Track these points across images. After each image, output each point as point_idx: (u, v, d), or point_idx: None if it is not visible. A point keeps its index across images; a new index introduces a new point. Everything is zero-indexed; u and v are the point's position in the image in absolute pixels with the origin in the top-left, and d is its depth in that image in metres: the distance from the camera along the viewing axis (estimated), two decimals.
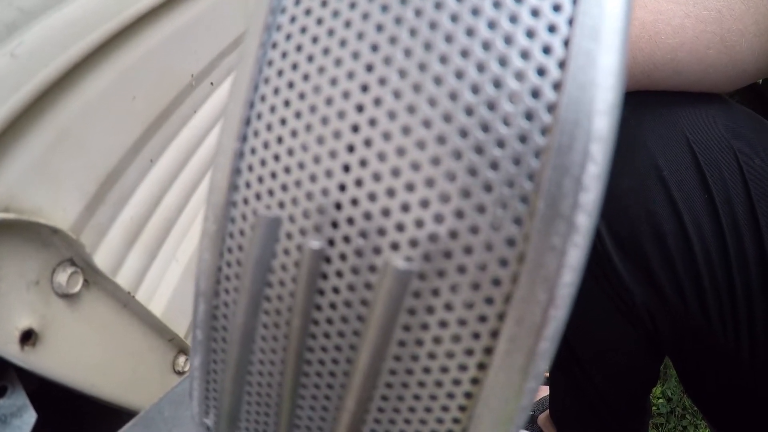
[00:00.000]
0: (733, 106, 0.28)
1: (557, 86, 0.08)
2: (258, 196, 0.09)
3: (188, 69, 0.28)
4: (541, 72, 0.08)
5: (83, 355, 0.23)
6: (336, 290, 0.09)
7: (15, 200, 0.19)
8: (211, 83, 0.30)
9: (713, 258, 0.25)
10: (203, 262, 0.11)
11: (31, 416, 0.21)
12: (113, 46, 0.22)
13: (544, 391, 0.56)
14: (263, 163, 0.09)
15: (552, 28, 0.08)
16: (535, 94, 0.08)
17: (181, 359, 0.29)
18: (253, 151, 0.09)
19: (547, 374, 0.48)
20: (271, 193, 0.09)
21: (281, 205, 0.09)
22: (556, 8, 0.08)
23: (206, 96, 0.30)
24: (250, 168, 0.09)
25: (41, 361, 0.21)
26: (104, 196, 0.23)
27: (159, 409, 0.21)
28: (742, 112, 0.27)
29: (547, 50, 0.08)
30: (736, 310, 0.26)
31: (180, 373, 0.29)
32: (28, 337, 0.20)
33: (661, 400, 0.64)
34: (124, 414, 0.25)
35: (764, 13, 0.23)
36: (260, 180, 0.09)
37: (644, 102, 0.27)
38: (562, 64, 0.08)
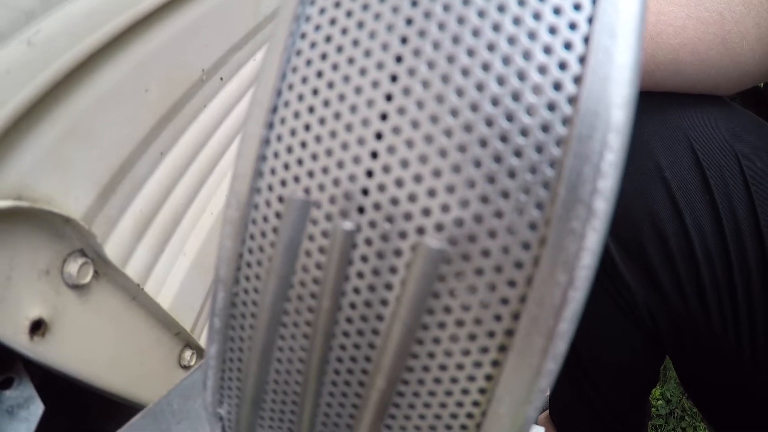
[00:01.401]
0: (735, 108, 0.28)
1: (578, 80, 0.08)
2: (283, 183, 0.10)
3: (199, 63, 0.28)
4: (563, 66, 0.08)
5: (91, 347, 0.23)
6: (361, 275, 0.09)
7: (28, 189, 0.20)
8: (221, 78, 0.31)
9: (714, 259, 0.26)
10: (224, 250, 0.11)
11: (38, 408, 0.21)
12: (128, 38, 0.23)
13: None
14: (289, 149, 0.09)
15: (573, 26, 0.08)
16: (557, 86, 0.08)
17: (188, 353, 0.30)
18: (279, 138, 0.10)
19: None
20: (297, 179, 0.09)
21: (307, 191, 0.09)
22: (577, 7, 0.08)
23: (216, 91, 0.30)
24: (276, 155, 0.10)
25: (50, 352, 0.21)
26: (115, 188, 0.24)
27: (168, 402, 0.22)
28: (743, 115, 0.28)
29: (568, 46, 0.08)
30: (736, 311, 0.26)
31: (186, 368, 0.29)
32: (37, 327, 0.20)
33: (660, 402, 0.65)
34: (125, 409, 0.25)
35: (765, 16, 0.24)
36: (286, 166, 0.09)
37: (647, 103, 0.28)
38: (582, 60, 0.08)
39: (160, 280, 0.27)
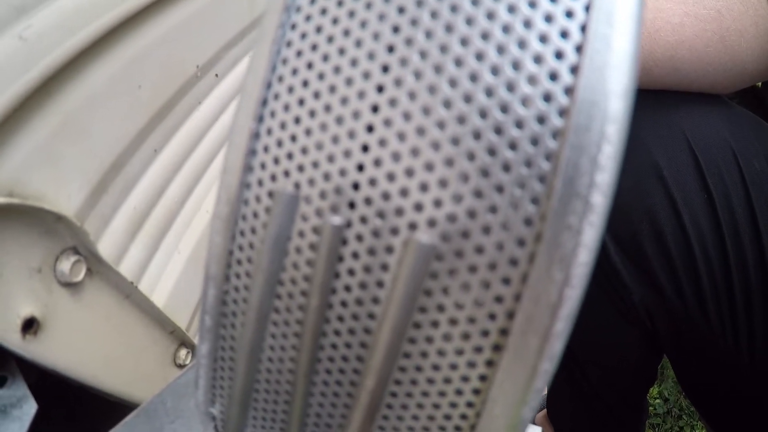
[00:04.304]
0: (734, 107, 0.28)
1: (574, 69, 0.08)
2: (273, 177, 0.09)
3: (194, 60, 0.28)
4: (559, 55, 0.08)
5: (85, 346, 0.23)
6: (351, 272, 0.09)
7: (19, 185, 0.19)
8: (216, 75, 0.30)
9: (712, 257, 0.25)
10: (214, 246, 0.11)
11: (31, 407, 0.21)
12: (121, 34, 0.22)
13: None
14: (279, 143, 0.09)
15: (569, 14, 0.08)
16: (553, 76, 0.08)
17: (182, 352, 0.29)
18: (269, 131, 0.09)
19: None
20: (287, 173, 0.09)
21: (297, 185, 0.09)
22: None
23: (211, 87, 0.30)
24: (266, 149, 0.09)
25: (42, 351, 0.21)
26: (108, 185, 0.23)
27: (162, 401, 0.21)
28: (742, 114, 0.27)
29: (564, 35, 0.08)
30: (734, 309, 0.26)
31: (181, 366, 0.29)
32: (29, 326, 0.20)
33: (658, 401, 0.65)
34: (119, 408, 0.25)
35: (763, 14, 0.24)
36: (276, 161, 0.09)
37: (644, 102, 0.28)
38: (579, 48, 0.08)
39: (154, 279, 0.27)
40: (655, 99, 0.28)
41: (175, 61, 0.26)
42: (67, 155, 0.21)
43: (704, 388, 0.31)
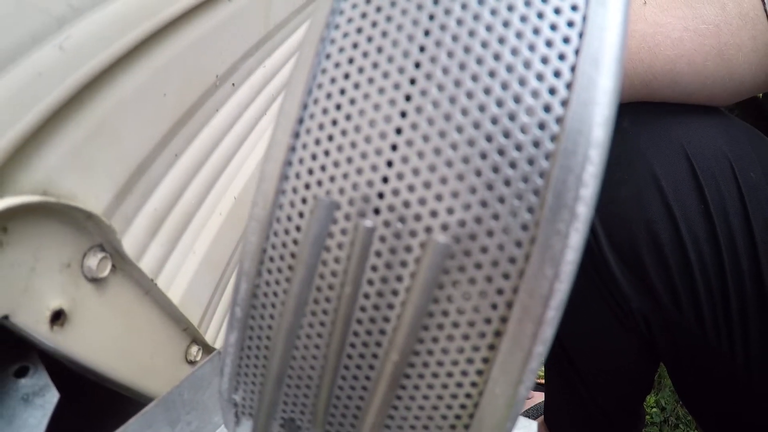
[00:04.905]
0: (731, 119, 0.28)
1: (565, 103, 0.09)
2: (307, 186, 0.11)
3: (214, 69, 0.29)
4: (552, 91, 0.09)
5: (105, 339, 0.24)
6: (374, 268, 0.10)
7: (53, 185, 0.21)
8: (233, 84, 0.32)
9: (708, 267, 0.26)
10: (249, 245, 0.12)
11: (53, 396, 0.22)
12: (150, 45, 0.24)
13: (539, 396, 0.56)
14: (314, 157, 0.11)
15: (562, 57, 0.10)
16: (547, 108, 0.09)
17: (194, 349, 0.31)
18: (304, 146, 0.11)
19: (542, 381, 0.49)
20: (319, 183, 0.11)
21: (329, 194, 0.10)
22: (566, 40, 0.10)
23: (228, 96, 0.32)
24: (301, 161, 0.11)
25: (67, 342, 0.22)
26: (132, 187, 0.25)
27: (179, 392, 0.22)
28: (739, 126, 0.28)
29: (557, 74, 0.09)
30: (730, 318, 0.26)
31: (192, 363, 0.30)
32: (57, 318, 0.21)
33: (654, 410, 0.65)
34: (127, 401, 0.26)
35: (761, 29, 0.24)
36: (310, 171, 0.11)
37: (643, 114, 0.28)
38: (569, 85, 0.09)
39: (170, 277, 0.28)
40: (654, 111, 0.28)
41: (197, 71, 0.28)
42: (97, 158, 0.22)
43: (701, 396, 0.31)
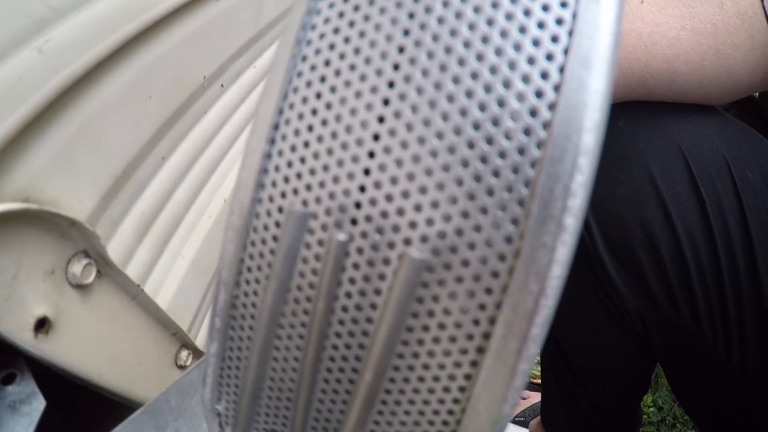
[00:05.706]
0: (728, 119, 0.28)
1: (552, 106, 0.09)
2: (283, 195, 0.10)
3: (201, 71, 0.29)
4: (539, 94, 0.09)
5: (92, 345, 0.23)
6: (352, 281, 0.10)
7: (35, 191, 0.20)
8: (222, 85, 0.32)
9: (705, 267, 0.26)
10: (227, 254, 0.12)
11: (40, 403, 0.22)
12: (133, 46, 0.23)
13: (536, 397, 0.56)
14: (289, 164, 0.10)
15: (550, 57, 0.09)
16: (533, 113, 0.09)
17: (184, 353, 0.30)
18: (280, 153, 0.10)
19: (539, 381, 0.49)
20: (295, 191, 0.10)
21: (305, 203, 0.10)
22: (554, 39, 0.09)
23: (216, 97, 0.31)
24: (277, 168, 0.10)
25: (53, 350, 0.22)
26: (118, 191, 0.24)
27: (166, 399, 0.22)
28: (736, 125, 0.28)
29: (545, 76, 0.09)
30: (726, 319, 0.26)
31: (182, 368, 0.30)
32: (41, 325, 0.21)
33: (651, 409, 0.65)
34: (118, 407, 0.26)
35: (758, 28, 0.24)
36: (286, 180, 0.10)
37: (640, 114, 0.28)
38: (557, 88, 0.09)
39: (158, 281, 0.28)
40: (650, 111, 0.28)
41: (183, 72, 0.27)
42: (80, 162, 0.22)
43: (697, 396, 0.31)
